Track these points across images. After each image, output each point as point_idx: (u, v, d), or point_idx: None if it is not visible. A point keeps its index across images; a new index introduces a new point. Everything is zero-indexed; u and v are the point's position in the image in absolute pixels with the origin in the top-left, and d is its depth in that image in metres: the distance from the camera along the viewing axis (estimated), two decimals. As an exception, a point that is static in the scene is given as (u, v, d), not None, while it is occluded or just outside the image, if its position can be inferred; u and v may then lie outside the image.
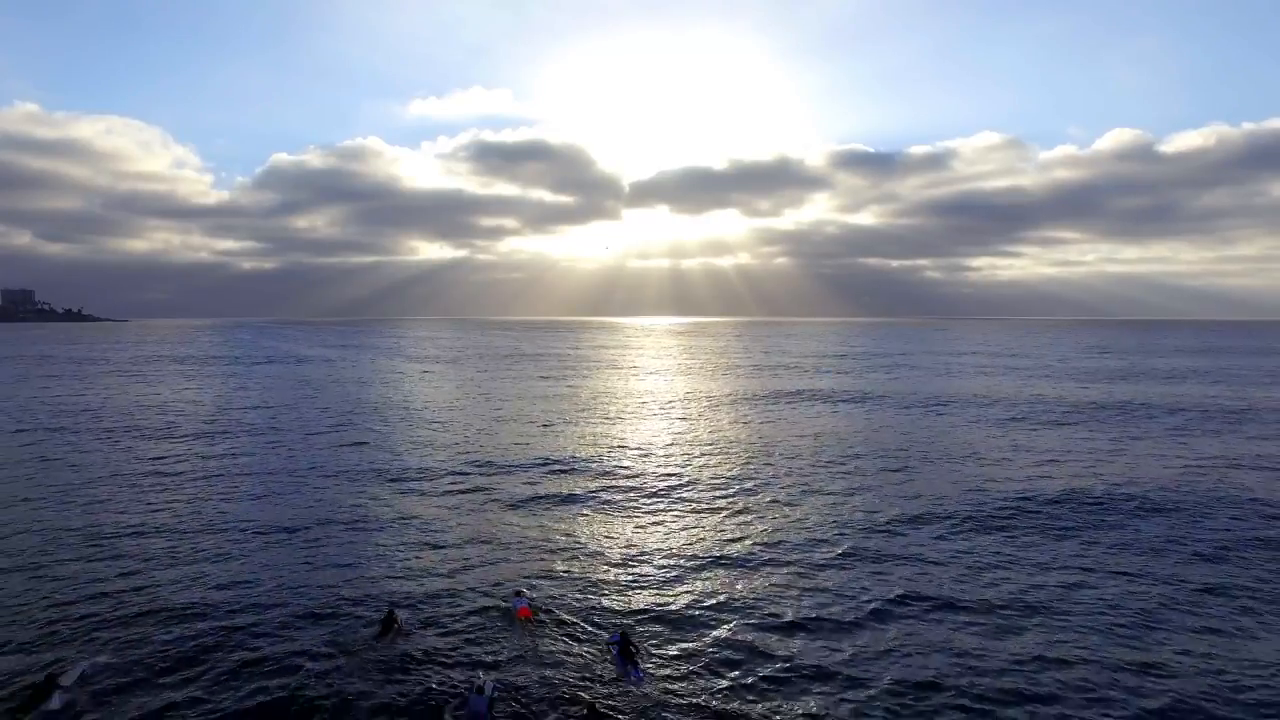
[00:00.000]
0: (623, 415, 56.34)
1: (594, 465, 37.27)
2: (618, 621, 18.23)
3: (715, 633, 17.80)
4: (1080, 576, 21.50)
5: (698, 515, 28.36)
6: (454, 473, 35.37)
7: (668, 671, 15.96)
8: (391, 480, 33.90)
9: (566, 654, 16.71)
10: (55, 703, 13.80)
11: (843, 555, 23.38)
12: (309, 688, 15.10)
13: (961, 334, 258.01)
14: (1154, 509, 28.53)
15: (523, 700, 14.72)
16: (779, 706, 14.65)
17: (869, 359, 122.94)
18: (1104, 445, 42.49)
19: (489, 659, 16.37)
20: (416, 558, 23.30)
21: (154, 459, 38.41)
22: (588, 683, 15.43)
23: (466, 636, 17.50)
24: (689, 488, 32.66)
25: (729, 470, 36.19)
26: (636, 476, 34.92)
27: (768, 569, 22.24)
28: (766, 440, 44.69)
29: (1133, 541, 24.71)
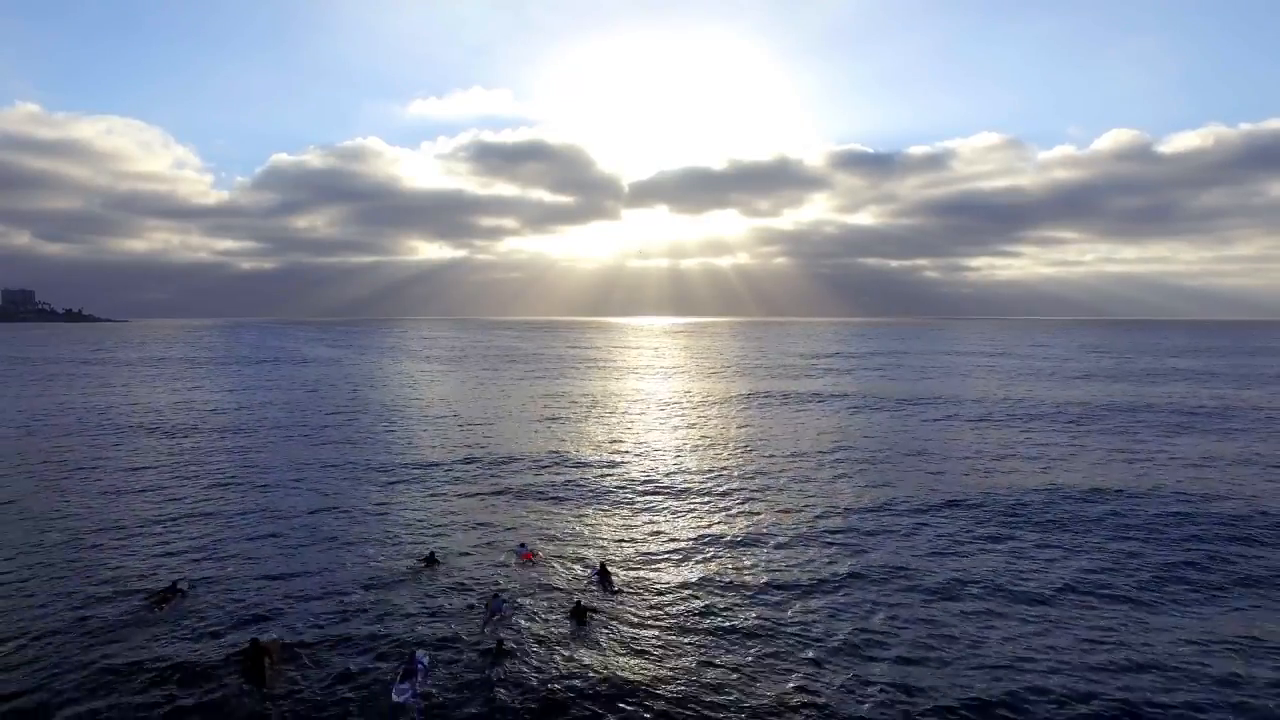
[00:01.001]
0: (620, 412, 59.17)
1: (592, 457, 40.09)
2: (601, 560, 22.79)
3: (689, 584, 21.02)
4: (1022, 550, 24.46)
5: (685, 500, 31.27)
6: (465, 461, 38.25)
7: (642, 594, 20.65)
8: (405, 468, 36.80)
9: (560, 581, 21.72)
10: (178, 599, 19.56)
11: (817, 534, 26.28)
12: (368, 610, 19.38)
13: (959, 334, 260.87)
14: (1101, 498, 31.31)
15: (529, 605, 19.85)
16: (732, 639, 17.51)
17: (864, 358, 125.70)
18: (1069, 440, 45.42)
19: (503, 583, 21.46)
20: (438, 528, 26.80)
21: (190, 452, 41.23)
22: (575, 596, 20.25)
23: (486, 570, 22.52)
24: (678, 476, 35.53)
25: (719, 462, 39.02)
26: (631, 467, 37.76)
27: (746, 543, 25.20)
28: (757, 436, 47.46)
29: (1073, 523, 27.58)
